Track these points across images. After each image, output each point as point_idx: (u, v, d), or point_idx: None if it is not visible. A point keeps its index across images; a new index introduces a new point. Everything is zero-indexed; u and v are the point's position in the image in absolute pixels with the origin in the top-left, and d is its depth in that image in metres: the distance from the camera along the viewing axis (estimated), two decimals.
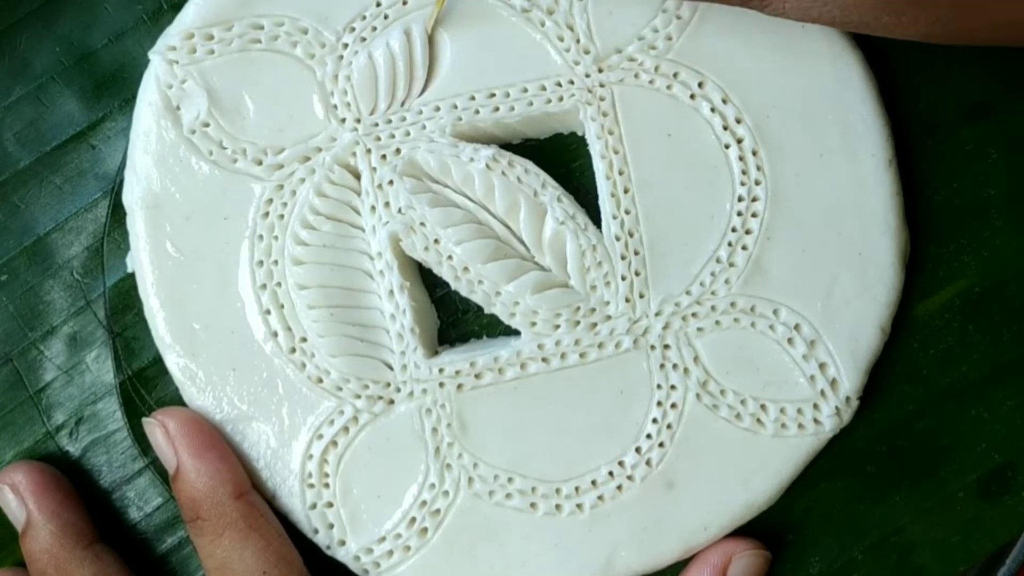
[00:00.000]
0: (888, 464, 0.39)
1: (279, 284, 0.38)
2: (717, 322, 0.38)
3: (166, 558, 0.40)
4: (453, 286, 0.38)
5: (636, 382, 0.37)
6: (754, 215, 0.38)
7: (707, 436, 0.37)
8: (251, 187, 0.38)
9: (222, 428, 0.38)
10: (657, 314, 0.38)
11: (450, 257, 0.38)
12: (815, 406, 0.37)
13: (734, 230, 0.38)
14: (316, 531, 0.38)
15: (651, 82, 0.38)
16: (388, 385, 0.38)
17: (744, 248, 0.38)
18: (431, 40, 0.38)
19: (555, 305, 0.37)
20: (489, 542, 0.37)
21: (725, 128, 0.38)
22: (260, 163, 0.38)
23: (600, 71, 0.38)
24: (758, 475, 0.37)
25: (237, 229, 0.38)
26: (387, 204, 0.38)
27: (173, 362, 0.38)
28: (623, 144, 0.38)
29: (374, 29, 0.38)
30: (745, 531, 0.38)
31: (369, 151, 0.38)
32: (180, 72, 0.38)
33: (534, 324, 0.38)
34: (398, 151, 0.38)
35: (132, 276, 0.39)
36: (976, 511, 0.38)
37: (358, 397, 0.37)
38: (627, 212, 0.38)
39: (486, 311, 0.38)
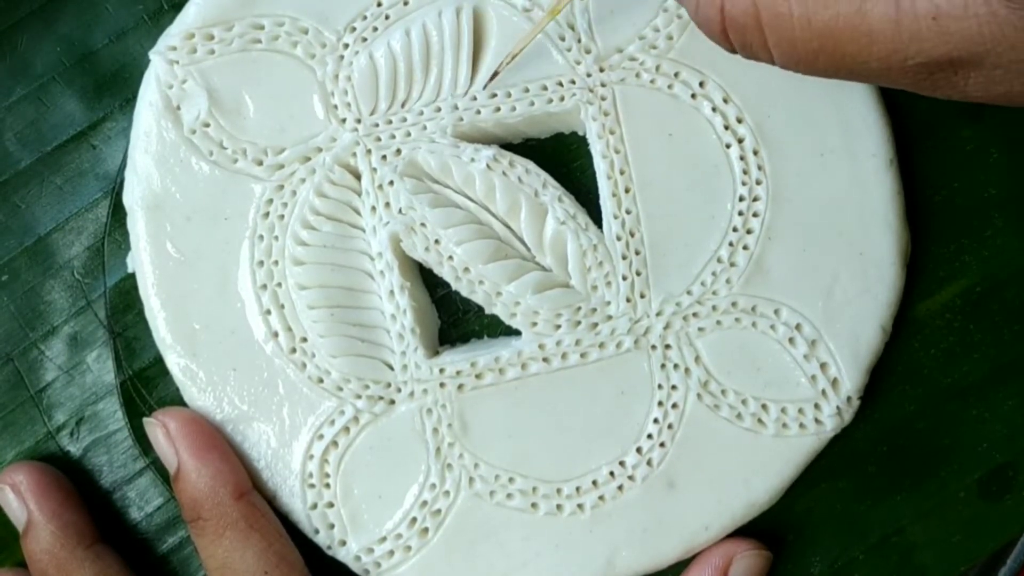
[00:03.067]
0: (889, 464, 0.39)
1: (279, 284, 0.38)
2: (718, 322, 0.37)
3: (167, 558, 0.40)
4: (454, 286, 0.38)
5: (637, 382, 0.37)
6: (755, 215, 0.38)
7: (708, 436, 0.37)
8: (251, 187, 0.38)
9: (223, 428, 0.38)
10: (658, 314, 0.38)
11: (451, 257, 0.37)
12: (816, 406, 0.37)
13: (735, 230, 0.38)
14: (317, 531, 0.38)
15: (652, 82, 0.38)
16: (389, 385, 0.38)
17: (745, 248, 0.38)
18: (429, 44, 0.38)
19: (556, 305, 0.37)
20: (490, 542, 0.37)
21: (726, 127, 0.38)
22: (260, 163, 0.38)
23: (601, 70, 0.38)
24: (759, 475, 0.37)
25: (237, 229, 0.38)
26: (387, 204, 0.38)
27: (174, 362, 0.38)
28: (624, 144, 0.38)
29: (375, 29, 0.38)
30: (746, 531, 0.38)
31: (369, 151, 0.38)
32: (180, 72, 0.38)
33: (535, 324, 0.37)
34: (399, 151, 0.38)
35: (133, 276, 0.39)
36: (977, 511, 0.38)
37: (359, 397, 0.37)
38: (628, 212, 0.38)
39: (487, 311, 0.38)
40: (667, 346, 0.37)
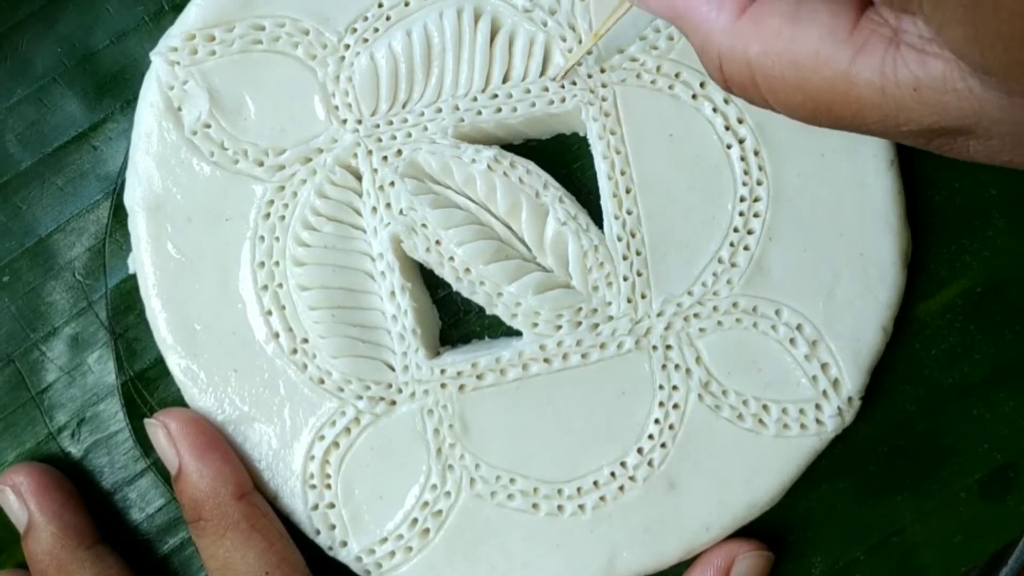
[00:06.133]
0: (890, 464, 0.39)
1: (280, 285, 0.38)
2: (719, 322, 0.37)
3: (168, 559, 0.40)
4: (455, 287, 0.38)
5: (638, 383, 0.37)
6: (756, 215, 0.38)
7: (709, 437, 0.37)
8: (252, 188, 0.38)
9: (224, 429, 0.38)
10: (659, 314, 0.38)
11: (452, 258, 0.37)
12: (817, 406, 0.37)
13: (736, 230, 0.38)
14: (318, 532, 0.38)
15: (653, 82, 0.38)
16: (390, 386, 0.38)
17: (746, 248, 0.38)
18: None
19: (557, 306, 0.37)
20: (491, 543, 0.37)
21: (727, 128, 0.38)
22: (261, 164, 0.38)
23: (602, 71, 0.38)
24: (760, 475, 0.37)
25: (238, 230, 0.38)
26: (388, 205, 0.38)
27: (175, 363, 0.38)
28: (625, 144, 0.38)
29: (376, 30, 0.38)
30: (747, 532, 0.38)
31: (370, 152, 0.38)
32: (182, 73, 0.38)
33: (536, 325, 0.37)
34: (399, 152, 0.38)
35: (134, 277, 0.39)
36: (978, 512, 0.38)
37: (360, 398, 0.37)
38: (629, 213, 0.38)
39: (488, 312, 0.38)
40: (668, 347, 0.37)
